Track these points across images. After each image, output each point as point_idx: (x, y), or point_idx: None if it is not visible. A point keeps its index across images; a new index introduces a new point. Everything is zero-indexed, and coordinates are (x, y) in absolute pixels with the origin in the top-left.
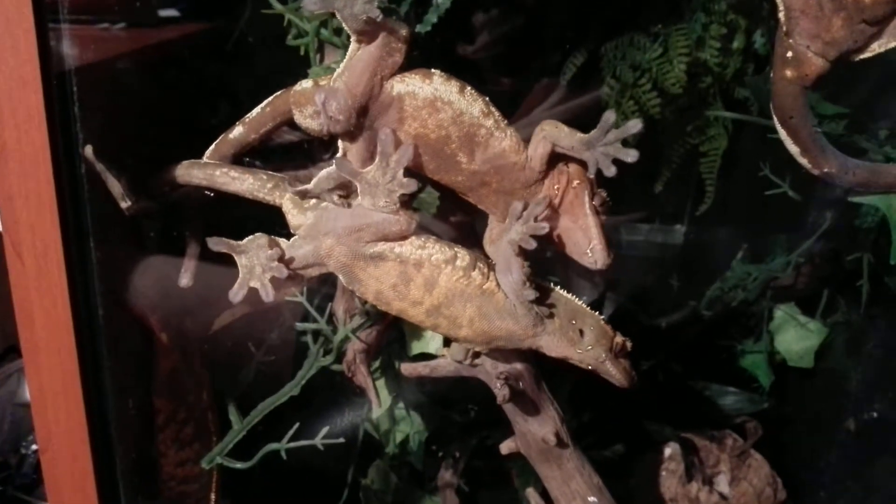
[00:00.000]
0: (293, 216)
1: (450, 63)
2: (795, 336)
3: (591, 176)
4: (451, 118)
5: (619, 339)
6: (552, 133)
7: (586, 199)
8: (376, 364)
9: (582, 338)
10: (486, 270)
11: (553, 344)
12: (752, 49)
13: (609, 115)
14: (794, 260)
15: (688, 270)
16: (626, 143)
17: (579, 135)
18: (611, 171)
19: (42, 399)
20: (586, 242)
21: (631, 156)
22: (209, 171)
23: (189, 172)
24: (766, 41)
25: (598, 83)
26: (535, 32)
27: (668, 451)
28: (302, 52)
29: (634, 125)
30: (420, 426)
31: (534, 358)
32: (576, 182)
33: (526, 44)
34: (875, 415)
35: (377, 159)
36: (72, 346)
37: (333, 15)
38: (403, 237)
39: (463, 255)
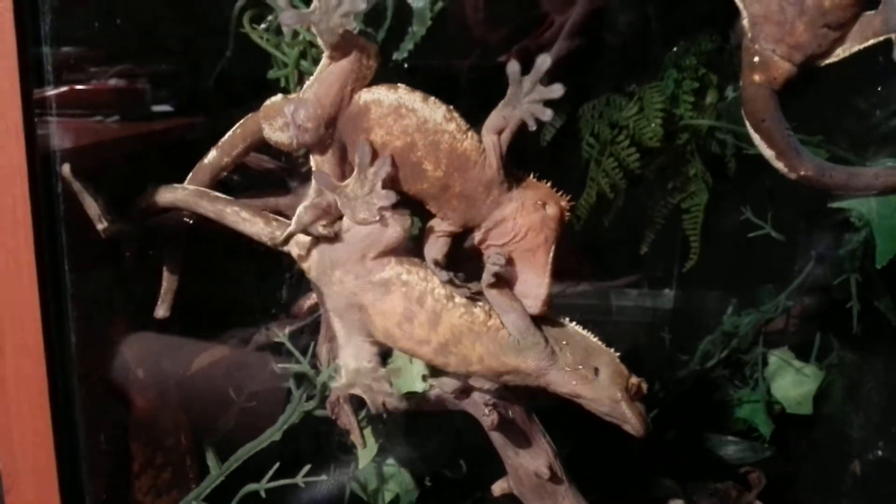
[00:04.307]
0: (300, 259)
1: None
2: (792, 382)
3: (531, 127)
4: (415, 125)
5: (634, 380)
6: (487, 125)
7: (551, 253)
8: (362, 414)
9: (596, 376)
10: (487, 308)
11: (564, 380)
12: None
13: (514, 66)
14: (782, 301)
15: (679, 327)
16: None
17: (500, 104)
18: (546, 115)
19: (9, 433)
20: (533, 289)
21: (556, 91)
22: (219, 207)
23: (197, 202)
24: (737, 95)
25: (578, 143)
26: None
27: None
28: (282, 84)
29: (555, 90)
30: (410, 485)
31: (525, 392)
32: (550, 225)
33: None
34: (880, 454)
35: (355, 171)
36: (42, 375)
37: (312, 45)
38: (402, 239)
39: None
